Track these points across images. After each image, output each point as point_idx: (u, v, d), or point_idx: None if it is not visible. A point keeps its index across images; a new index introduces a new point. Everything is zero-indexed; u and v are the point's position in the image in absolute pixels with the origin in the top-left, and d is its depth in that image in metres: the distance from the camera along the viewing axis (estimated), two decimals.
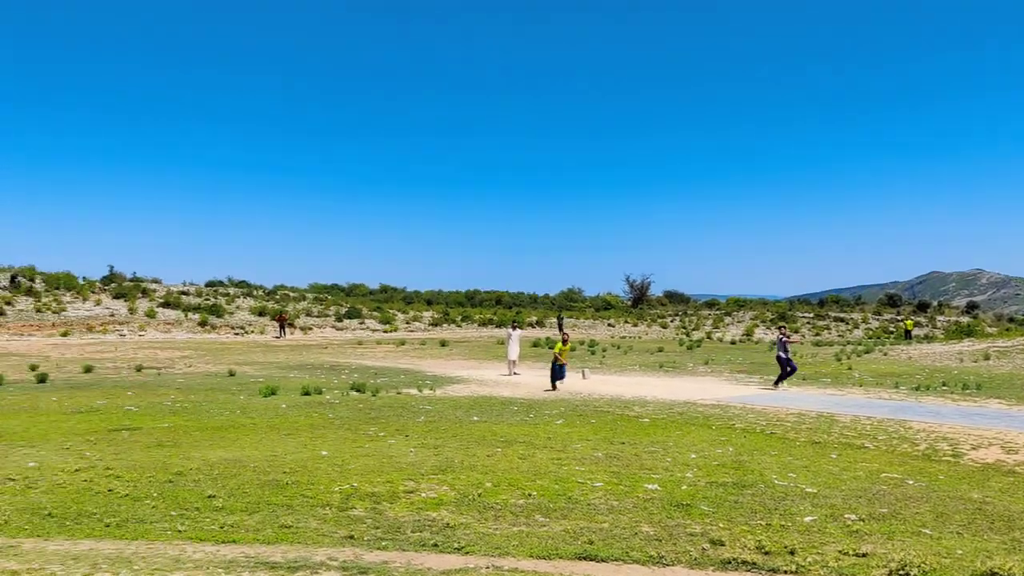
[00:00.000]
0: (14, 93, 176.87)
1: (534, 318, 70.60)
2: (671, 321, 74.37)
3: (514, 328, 28.01)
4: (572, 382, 23.15)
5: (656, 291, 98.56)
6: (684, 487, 9.82)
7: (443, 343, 44.63)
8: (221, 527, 7.82)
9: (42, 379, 22.64)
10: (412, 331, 58.49)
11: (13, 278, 59.11)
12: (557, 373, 22.06)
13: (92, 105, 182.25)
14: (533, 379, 24.95)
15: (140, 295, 60.29)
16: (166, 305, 58.82)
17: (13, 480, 9.75)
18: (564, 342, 22.68)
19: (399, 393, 20.47)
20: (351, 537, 7.56)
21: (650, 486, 9.82)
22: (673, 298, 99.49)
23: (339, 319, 61.29)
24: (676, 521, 8.26)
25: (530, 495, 9.26)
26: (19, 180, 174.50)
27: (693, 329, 65.72)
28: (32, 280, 59.83)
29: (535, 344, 42.15)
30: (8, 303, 51.98)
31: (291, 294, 73.51)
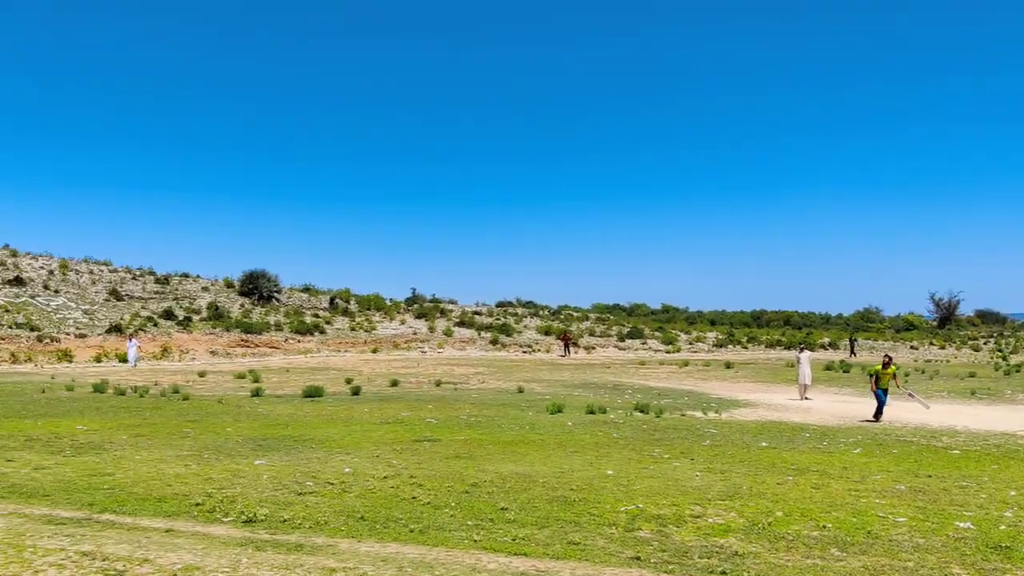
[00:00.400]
0: (339, 151, 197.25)
1: (826, 339, 67.01)
2: (984, 343, 67.52)
3: (802, 350, 26.76)
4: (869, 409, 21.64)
5: (966, 310, 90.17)
6: (1002, 527, 8.85)
7: (728, 365, 43.60)
8: (513, 539, 8.16)
9: (356, 392, 24.93)
10: (695, 352, 57.75)
11: (332, 300, 65.93)
12: (879, 401, 20.21)
13: (396, 146, 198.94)
14: (826, 405, 23.67)
15: (439, 315, 64.70)
16: (461, 324, 62.56)
17: (332, 484, 10.81)
18: (885, 365, 20.51)
19: (683, 415, 20.26)
20: (637, 559, 7.58)
21: (961, 524, 8.95)
22: (986, 318, 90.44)
23: (621, 339, 61.91)
24: (993, 564, 7.46)
25: (825, 527, 8.79)
26: (336, 213, 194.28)
27: (1011, 352, 59.15)
28: (347, 302, 66.32)
29: (828, 367, 39.97)
30: (328, 322, 57.93)
31: (575, 314, 75.37)
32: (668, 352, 56.48)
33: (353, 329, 57.70)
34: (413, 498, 9.95)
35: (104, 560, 7.24)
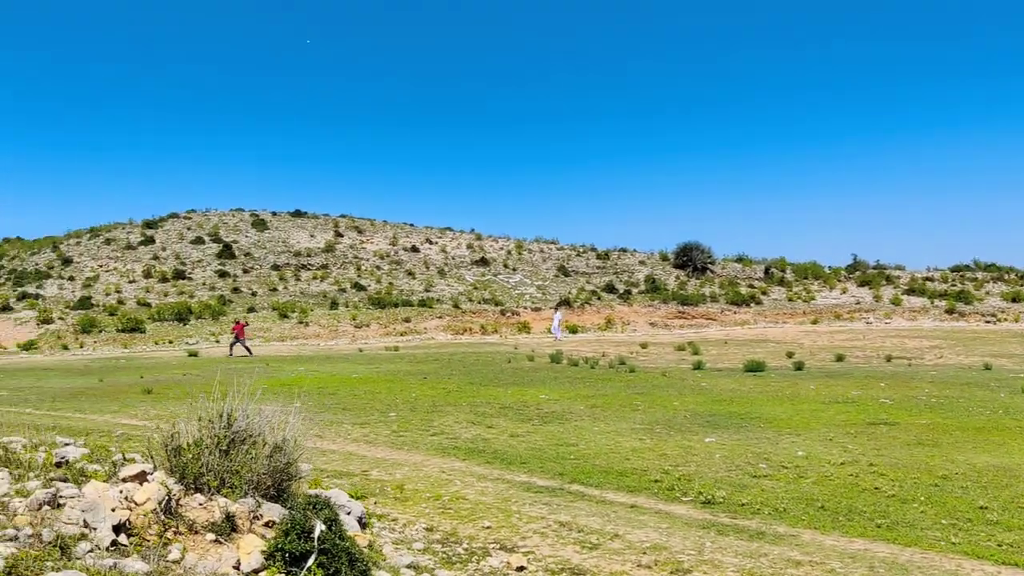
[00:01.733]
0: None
1: None
2: None
3: None
4: None
5: None
6: None
7: None
8: (999, 545, 7.35)
9: (799, 367, 24.22)
10: None
11: (767, 270, 64.80)
12: None
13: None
14: None
15: (884, 282, 60.45)
16: (910, 292, 57.86)
17: (786, 468, 10.61)
18: None
19: None
20: None
21: None
22: None
23: None
24: None
25: None
26: (768, 178, 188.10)
27: None
28: (783, 271, 64.69)
29: None
30: (763, 293, 57.13)
31: None
32: None
33: (790, 299, 56.21)
34: (875, 488, 9.40)
35: (579, 532, 7.87)
